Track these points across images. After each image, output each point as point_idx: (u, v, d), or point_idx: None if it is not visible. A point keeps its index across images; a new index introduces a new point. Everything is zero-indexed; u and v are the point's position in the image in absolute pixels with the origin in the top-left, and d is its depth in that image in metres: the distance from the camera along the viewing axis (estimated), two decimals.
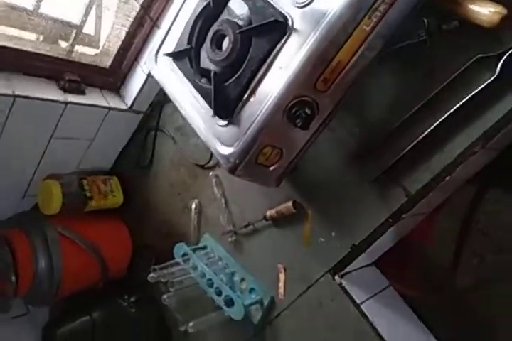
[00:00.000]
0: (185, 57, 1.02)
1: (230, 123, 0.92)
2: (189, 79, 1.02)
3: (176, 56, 1.04)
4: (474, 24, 0.78)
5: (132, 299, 1.44)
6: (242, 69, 0.90)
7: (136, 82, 1.39)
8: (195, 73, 1.00)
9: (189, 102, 1.01)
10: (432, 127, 0.88)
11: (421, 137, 0.89)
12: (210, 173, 1.27)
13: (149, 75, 1.34)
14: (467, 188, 1.51)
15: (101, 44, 1.41)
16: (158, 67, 1.10)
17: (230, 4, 0.95)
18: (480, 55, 0.81)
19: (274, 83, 0.84)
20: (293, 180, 1.09)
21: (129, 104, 1.40)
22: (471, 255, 1.70)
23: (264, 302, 1.14)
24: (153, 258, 1.46)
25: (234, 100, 0.91)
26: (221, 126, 0.93)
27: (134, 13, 1.29)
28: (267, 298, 1.14)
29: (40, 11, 1.21)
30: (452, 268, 1.53)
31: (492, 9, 0.75)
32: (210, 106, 0.94)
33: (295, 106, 0.85)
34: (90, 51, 1.41)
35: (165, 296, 1.14)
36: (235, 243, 1.22)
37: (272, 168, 0.94)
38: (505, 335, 1.65)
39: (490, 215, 1.65)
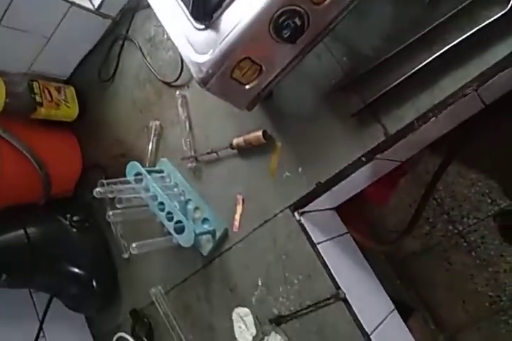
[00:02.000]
0: None
1: (207, 27, 0.80)
2: None
3: None
4: None
5: (75, 218, 1.35)
6: None
7: None
8: None
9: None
10: (427, 61, 0.80)
11: (413, 71, 0.81)
12: (177, 92, 1.16)
13: None
14: (433, 157, 1.51)
15: None
16: None
17: None
18: None
19: None
20: (266, 108, 1.00)
21: (97, 4, 1.24)
22: (424, 222, 1.72)
23: (217, 233, 1.09)
24: (104, 179, 1.37)
25: (215, 3, 0.80)
26: (198, 29, 0.81)
27: None
28: (220, 230, 1.08)
29: None
30: (405, 232, 1.54)
31: None
32: (187, 5, 0.81)
33: (284, 14, 0.74)
34: None
35: (110, 213, 1.05)
36: (194, 170, 1.14)
37: (247, 87, 0.85)
38: (443, 301, 1.70)
39: (448, 186, 1.66)
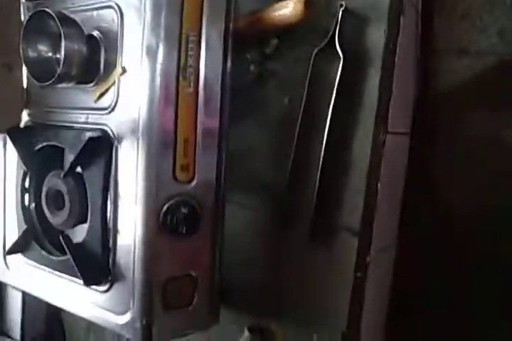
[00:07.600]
0: (30, 241, 0.80)
1: (112, 282, 0.68)
2: (50, 266, 0.78)
3: (18, 250, 0.82)
4: (290, 29, 0.72)
5: None
6: (89, 213, 0.69)
7: None
8: (52, 251, 0.78)
9: (63, 293, 0.77)
10: (323, 149, 0.73)
11: (320, 165, 0.73)
12: None
13: None
14: None
15: None
16: (12, 273, 0.87)
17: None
18: (316, 50, 0.71)
19: (131, 205, 0.65)
20: (232, 309, 0.83)
21: None
22: None
23: None
24: None
25: (101, 253, 0.68)
26: (103, 291, 0.69)
27: None
28: None
29: None
30: None
31: (291, 3, 0.68)
32: (78, 276, 0.69)
33: (168, 213, 0.64)
34: None
35: None
36: None
37: (194, 302, 0.69)
38: None
39: None
